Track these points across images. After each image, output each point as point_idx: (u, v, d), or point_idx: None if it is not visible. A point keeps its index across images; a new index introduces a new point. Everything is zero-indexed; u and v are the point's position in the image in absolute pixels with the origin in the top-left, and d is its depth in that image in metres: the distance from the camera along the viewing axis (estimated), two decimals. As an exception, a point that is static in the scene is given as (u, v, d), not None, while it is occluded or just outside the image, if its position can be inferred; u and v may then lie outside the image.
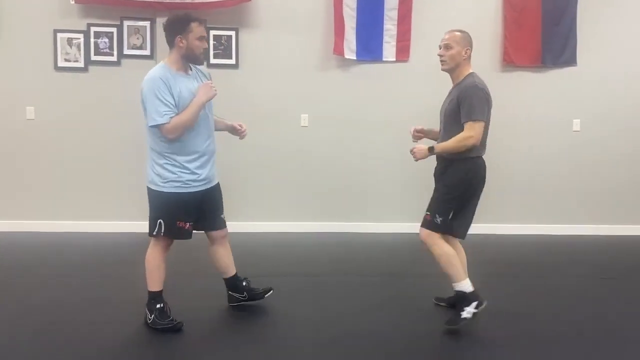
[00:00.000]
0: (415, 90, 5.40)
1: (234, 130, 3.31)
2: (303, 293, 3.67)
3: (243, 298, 3.34)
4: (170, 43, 3.01)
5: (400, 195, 5.44)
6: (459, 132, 3.01)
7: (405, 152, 5.32)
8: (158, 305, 3.03)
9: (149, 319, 3.03)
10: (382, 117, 5.45)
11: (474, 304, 3.04)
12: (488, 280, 3.96)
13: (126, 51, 5.28)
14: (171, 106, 2.87)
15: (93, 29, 5.24)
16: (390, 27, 5.36)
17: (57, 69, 5.26)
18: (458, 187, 3.10)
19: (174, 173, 2.97)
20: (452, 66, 3.12)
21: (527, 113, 5.54)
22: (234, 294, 3.34)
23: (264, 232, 5.36)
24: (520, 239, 5.34)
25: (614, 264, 4.59)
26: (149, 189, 3.08)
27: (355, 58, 5.37)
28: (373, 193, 5.51)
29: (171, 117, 2.87)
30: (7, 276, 3.95)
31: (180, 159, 2.97)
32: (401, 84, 5.41)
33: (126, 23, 5.26)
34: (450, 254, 3.08)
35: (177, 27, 2.96)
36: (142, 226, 5.22)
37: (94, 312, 3.28)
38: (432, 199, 3.19)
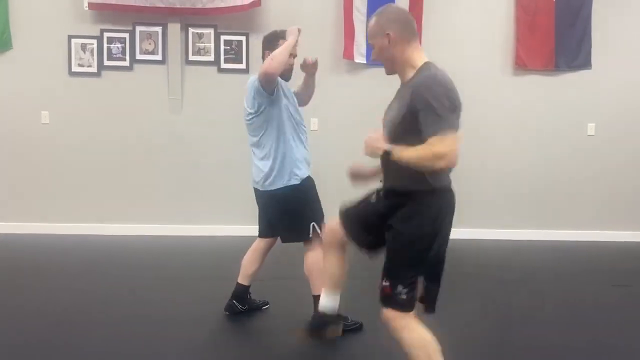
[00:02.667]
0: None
1: (307, 68, 3.28)
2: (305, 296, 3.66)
3: (243, 309, 3.32)
4: (263, 57, 3.14)
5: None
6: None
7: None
8: None
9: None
10: (393, 121, 5.41)
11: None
12: (500, 286, 3.92)
13: (138, 56, 5.34)
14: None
15: (106, 35, 5.31)
16: (400, 31, 5.34)
17: (71, 74, 5.34)
18: (425, 239, 2.09)
19: (291, 165, 3.06)
20: (388, 67, 2.24)
21: (541, 117, 5.47)
22: (237, 304, 3.31)
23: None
24: (533, 244, 5.27)
25: (627, 270, 4.50)
26: (282, 190, 3.05)
27: (365, 62, 5.36)
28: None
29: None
30: (21, 278, 4.01)
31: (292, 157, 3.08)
32: (412, 88, 5.37)
33: (138, 28, 5.32)
34: (428, 343, 2.09)
35: (267, 42, 3.16)
36: (158, 229, 5.33)
37: (100, 315, 3.31)
38: (387, 257, 2.16)
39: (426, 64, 2.15)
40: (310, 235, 3.03)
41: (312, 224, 3.03)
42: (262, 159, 3.07)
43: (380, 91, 5.40)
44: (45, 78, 5.33)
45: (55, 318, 3.24)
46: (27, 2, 5.26)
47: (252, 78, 3.05)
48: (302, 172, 3.07)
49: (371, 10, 5.27)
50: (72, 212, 5.40)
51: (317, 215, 3.10)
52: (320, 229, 3.03)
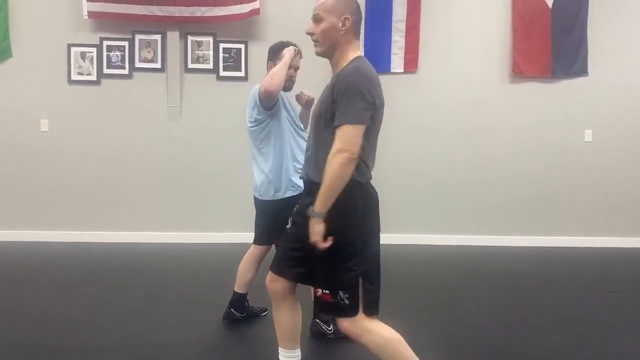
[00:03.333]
0: (424, 102, 5.39)
1: (302, 101, 3.30)
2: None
3: (241, 317, 3.32)
4: (267, 67, 3.18)
5: (408, 206, 5.41)
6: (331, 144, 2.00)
7: (412, 163, 5.36)
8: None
9: (329, 330, 3.06)
10: (390, 128, 5.43)
11: None
12: (495, 293, 3.93)
13: (138, 64, 5.37)
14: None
15: (105, 43, 5.34)
16: (398, 39, 5.38)
17: (71, 82, 5.37)
18: (348, 231, 2.03)
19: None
20: (326, 48, 2.13)
21: (538, 124, 5.50)
22: (235, 312, 3.31)
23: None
24: (529, 250, 5.28)
25: (624, 277, 4.51)
26: (282, 201, 3.06)
27: (363, 70, 5.38)
28: (382, 203, 5.48)
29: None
30: (18, 285, 4.01)
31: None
32: (409, 95, 5.41)
33: (138, 37, 5.35)
34: (390, 340, 2.07)
35: (271, 53, 3.19)
36: (157, 236, 5.34)
37: (99, 322, 3.31)
38: (317, 265, 2.09)
39: (357, 57, 2.13)
40: None
41: None
42: (261, 168, 3.10)
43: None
44: (44, 86, 5.35)
45: (53, 324, 3.24)
46: (27, 11, 5.30)
47: (256, 88, 3.08)
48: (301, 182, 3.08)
49: (369, 18, 5.31)
50: (72, 219, 5.41)
51: None
52: None
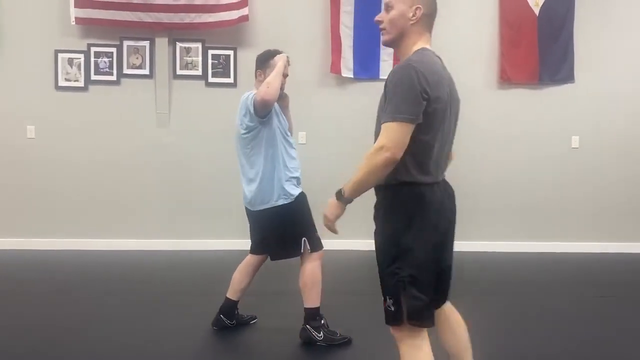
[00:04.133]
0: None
1: (284, 101, 3.30)
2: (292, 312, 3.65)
3: (231, 325, 3.29)
4: (255, 75, 3.19)
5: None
6: None
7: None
8: (323, 321, 3.07)
9: (319, 337, 3.03)
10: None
11: None
12: (484, 299, 3.94)
13: (126, 71, 5.34)
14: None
15: (93, 49, 5.31)
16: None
17: (58, 88, 5.32)
18: (392, 233, 1.97)
19: (289, 180, 3.09)
20: (394, 36, 2.03)
21: (525, 130, 5.55)
22: (224, 318, 3.28)
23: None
24: (518, 256, 5.31)
25: (612, 282, 4.54)
26: (274, 209, 3.05)
27: (352, 76, 5.41)
28: (370, 210, 5.49)
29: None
30: (2, 294, 3.95)
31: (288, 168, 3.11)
32: (399, 102, 5.42)
33: (126, 43, 5.33)
34: None
35: (259, 62, 3.17)
36: (141, 244, 5.30)
37: (90, 330, 3.27)
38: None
39: (421, 48, 2.00)
40: (302, 250, 3.05)
41: (303, 240, 3.05)
42: (252, 179, 3.08)
43: (367, 105, 5.47)
44: (31, 92, 5.30)
45: (42, 333, 3.19)
46: (14, 17, 5.25)
47: (247, 95, 3.05)
48: (293, 190, 3.08)
49: (358, 25, 5.34)
50: (58, 227, 5.35)
51: (308, 230, 3.11)
52: (311, 242, 3.06)
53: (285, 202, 3.03)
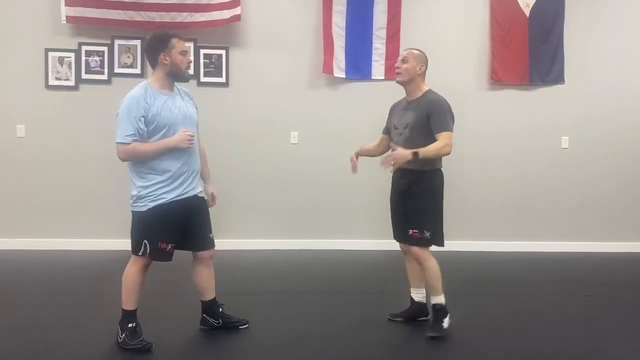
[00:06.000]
0: (404, 108, 5.42)
1: (207, 192, 3.27)
2: (289, 310, 3.65)
3: (217, 324, 3.27)
4: (154, 62, 3.01)
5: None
6: (425, 144, 3.09)
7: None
8: (130, 325, 2.97)
9: (120, 338, 2.98)
10: (371, 134, 5.43)
11: (448, 315, 3.22)
12: (472, 298, 3.96)
13: (117, 70, 5.32)
14: (138, 132, 2.87)
15: (84, 48, 5.28)
16: (379, 46, 5.43)
17: (48, 87, 5.29)
18: (436, 199, 3.24)
19: (150, 190, 2.94)
20: (406, 79, 3.26)
21: (515, 131, 5.58)
22: (208, 318, 3.27)
23: (253, 249, 5.35)
24: (507, 256, 5.34)
25: (600, 281, 4.58)
26: (132, 209, 3.05)
27: (344, 76, 5.42)
28: (363, 210, 5.52)
29: (134, 140, 2.86)
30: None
31: (152, 176, 2.95)
32: (390, 102, 5.41)
33: (117, 42, 5.31)
34: (437, 268, 3.22)
35: (158, 45, 2.97)
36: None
37: (71, 332, 3.25)
38: (411, 215, 3.22)
39: (430, 90, 3.30)
40: (140, 253, 3.01)
41: (144, 242, 2.99)
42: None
43: (359, 105, 5.52)
44: (21, 91, 5.27)
45: (36, 332, 3.18)
46: (3, 15, 5.21)
47: (124, 105, 2.92)
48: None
49: (350, 25, 5.35)
50: (49, 227, 5.31)
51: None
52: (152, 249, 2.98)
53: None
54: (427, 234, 3.17)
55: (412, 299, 3.45)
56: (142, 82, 3.01)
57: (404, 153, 3.05)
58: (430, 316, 3.33)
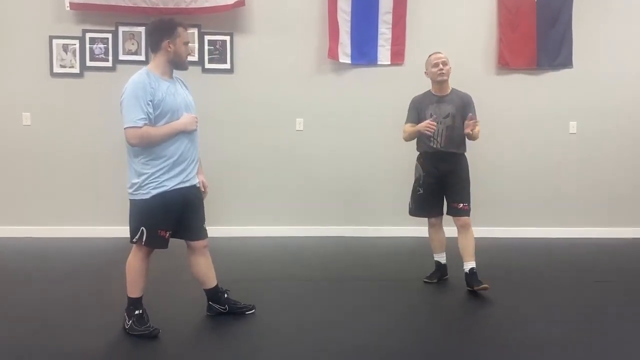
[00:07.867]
0: (410, 93, 5.31)
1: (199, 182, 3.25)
2: (295, 297, 3.66)
3: (223, 310, 3.28)
4: (156, 47, 2.97)
5: (396, 199, 5.41)
6: (462, 129, 3.75)
7: (398, 155, 5.36)
8: (137, 312, 2.99)
9: (127, 325, 3.00)
10: (377, 120, 5.44)
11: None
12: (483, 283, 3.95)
13: (121, 57, 5.30)
14: (148, 115, 2.85)
15: (88, 35, 5.26)
16: (384, 31, 5.37)
17: (53, 74, 5.28)
18: (469, 177, 3.92)
19: (154, 177, 2.93)
20: (447, 78, 3.85)
21: (523, 116, 5.53)
22: (214, 304, 3.28)
23: (259, 236, 5.35)
24: (517, 242, 5.32)
25: (610, 267, 4.56)
26: (131, 197, 3.03)
27: (350, 62, 5.37)
28: (368, 196, 5.50)
29: (145, 123, 2.84)
30: (5, 281, 3.95)
31: (156, 163, 2.93)
32: (396, 87, 5.40)
33: (121, 29, 5.28)
34: (472, 234, 3.88)
35: (164, 31, 2.93)
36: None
37: (78, 317, 3.27)
38: (457, 190, 3.83)
39: (454, 88, 3.94)
40: (135, 240, 3.00)
41: (141, 229, 2.97)
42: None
43: (364, 91, 5.48)
44: (26, 79, 5.26)
45: (37, 321, 3.20)
46: (8, 3, 5.19)
47: (129, 90, 2.88)
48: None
49: (355, 10, 5.30)
50: (55, 214, 5.34)
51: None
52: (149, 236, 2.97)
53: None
54: (470, 206, 3.84)
55: (438, 262, 4.05)
56: (142, 69, 2.97)
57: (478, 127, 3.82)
58: (469, 277, 3.77)
